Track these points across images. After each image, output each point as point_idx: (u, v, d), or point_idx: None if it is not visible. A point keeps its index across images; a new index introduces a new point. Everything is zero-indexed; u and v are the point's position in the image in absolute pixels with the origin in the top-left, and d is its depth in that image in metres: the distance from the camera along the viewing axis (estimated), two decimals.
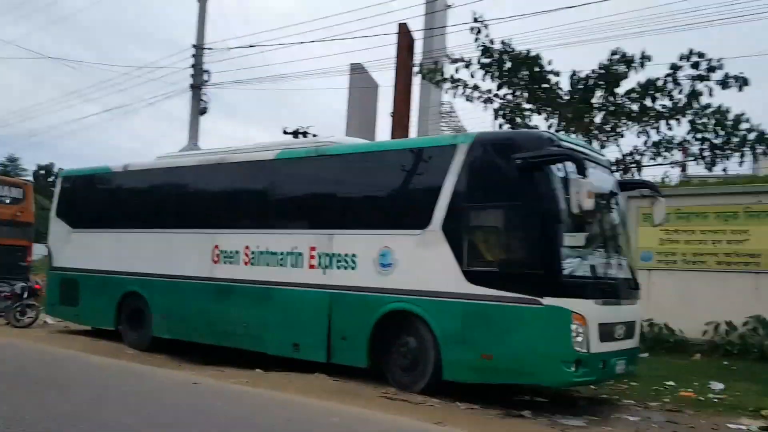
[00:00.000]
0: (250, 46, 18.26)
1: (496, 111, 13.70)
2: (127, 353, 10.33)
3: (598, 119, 12.73)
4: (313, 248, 8.64)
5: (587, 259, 6.96)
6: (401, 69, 18.56)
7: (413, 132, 19.19)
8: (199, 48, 18.48)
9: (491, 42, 12.89)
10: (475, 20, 12.78)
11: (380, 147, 8.30)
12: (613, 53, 11.40)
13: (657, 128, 12.25)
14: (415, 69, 16.48)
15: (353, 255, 8.23)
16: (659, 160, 12.80)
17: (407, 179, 8.08)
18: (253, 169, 9.57)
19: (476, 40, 12.90)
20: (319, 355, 8.45)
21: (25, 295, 13.03)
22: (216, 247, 9.69)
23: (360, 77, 19.48)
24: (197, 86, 18.42)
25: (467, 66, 13.32)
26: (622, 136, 13.05)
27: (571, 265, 6.72)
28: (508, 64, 13.07)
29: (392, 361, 7.90)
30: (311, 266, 8.64)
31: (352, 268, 8.24)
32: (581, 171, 6.58)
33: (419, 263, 7.65)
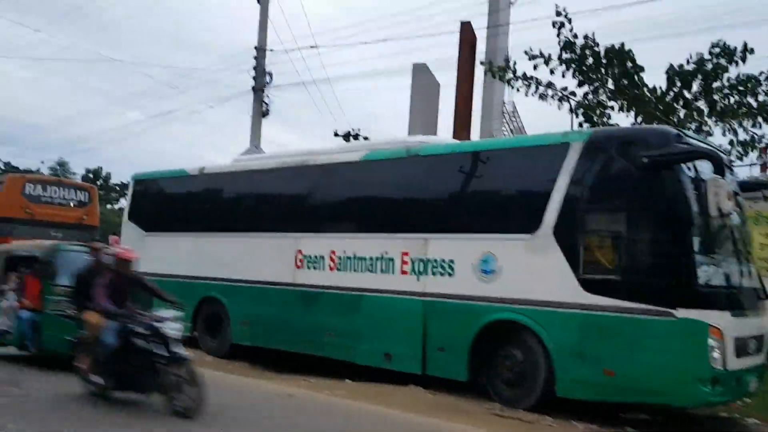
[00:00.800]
0: (312, 47, 17.99)
1: (573, 109, 13.12)
2: (206, 361, 10.05)
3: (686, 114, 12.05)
4: (405, 253, 8.22)
5: (720, 266, 6.37)
6: (463, 68, 18.11)
7: (475, 132, 18.70)
8: (260, 50, 18.30)
9: (575, 36, 12.31)
10: (558, 14, 12.21)
11: (481, 146, 7.85)
12: (714, 45, 10.70)
13: (753, 124, 11.49)
14: (483, 67, 15.98)
15: (451, 261, 7.78)
16: (746, 160, 12.04)
17: (512, 180, 7.60)
18: (338, 171, 9.21)
19: (558, 34, 12.33)
20: (412, 366, 8.02)
21: None
22: (299, 251, 9.35)
23: (422, 77, 19.06)
24: (259, 89, 18.24)
25: (547, 62, 12.77)
26: (710, 134, 12.33)
27: (706, 274, 6.15)
28: (590, 60, 12.49)
29: (495, 374, 7.42)
30: (403, 272, 8.22)
31: (450, 275, 7.79)
32: (719, 170, 6.00)
33: (527, 270, 7.15)
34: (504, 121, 23.22)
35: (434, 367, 7.86)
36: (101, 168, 57.05)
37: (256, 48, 18.27)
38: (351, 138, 30.07)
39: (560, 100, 13.45)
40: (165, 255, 11.41)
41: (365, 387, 8.02)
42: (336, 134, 29.88)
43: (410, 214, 8.38)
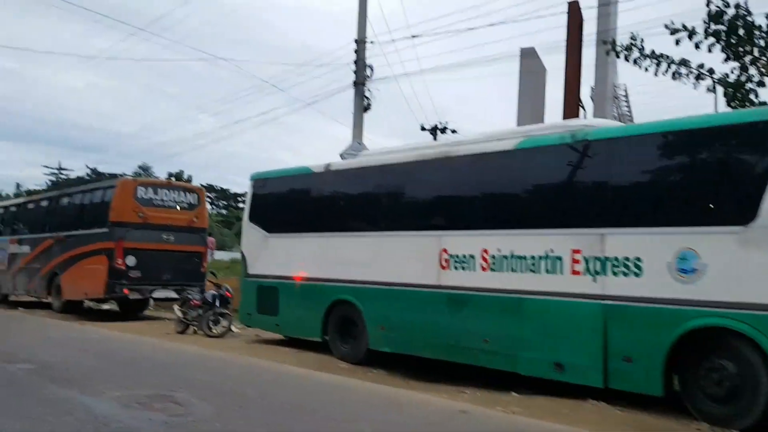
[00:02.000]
0: (413, 37, 17.22)
1: (712, 88, 11.80)
2: (342, 367, 9.49)
3: None
4: (576, 251, 7.31)
5: None
6: (572, 51, 16.94)
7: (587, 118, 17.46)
8: (360, 42, 17.70)
9: (726, 5, 11.02)
10: None
11: (672, 126, 6.84)
12: None
13: None
14: (598, 48, 14.83)
15: (637, 258, 6.81)
16: None
17: (715, 164, 6.56)
18: (488, 161, 8.38)
19: (708, 4, 11.07)
20: (591, 378, 7.11)
21: (217, 304, 12.62)
22: (444, 250, 8.58)
23: (530, 62, 18.00)
24: (360, 82, 17.64)
25: (691, 36, 11.52)
26: None
27: None
28: (741, 32, 11.16)
29: (697, 389, 6.42)
30: (575, 272, 7.31)
31: (636, 275, 6.82)
32: None
33: (740, 268, 6.11)
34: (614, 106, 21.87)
35: (619, 380, 6.92)
36: (182, 171, 58.54)
37: (356, 41, 17.68)
38: (439, 132, 29.24)
39: (697, 78, 12.18)
40: (290, 257, 10.93)
41: (538, 402, 7.17)
42: (423, 128, 29.15)
43: (580, 206, 7.45)
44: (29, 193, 58.62)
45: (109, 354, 9.66)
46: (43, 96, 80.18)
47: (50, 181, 58.95)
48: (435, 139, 26.57)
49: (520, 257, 7.81)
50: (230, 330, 12.65)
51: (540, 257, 7.61)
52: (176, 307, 13.25)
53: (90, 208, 15.97)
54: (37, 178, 62.48)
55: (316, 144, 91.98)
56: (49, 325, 13.77)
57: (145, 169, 59.02)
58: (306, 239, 10.68)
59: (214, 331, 12.43)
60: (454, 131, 28.38)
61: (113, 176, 50.30)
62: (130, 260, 14.80)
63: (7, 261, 19.31)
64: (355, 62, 17.70)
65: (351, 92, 17.81)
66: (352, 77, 17.72)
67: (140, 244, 14.95)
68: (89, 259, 15.28)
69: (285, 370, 9.00)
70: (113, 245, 14.72)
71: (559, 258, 7.44)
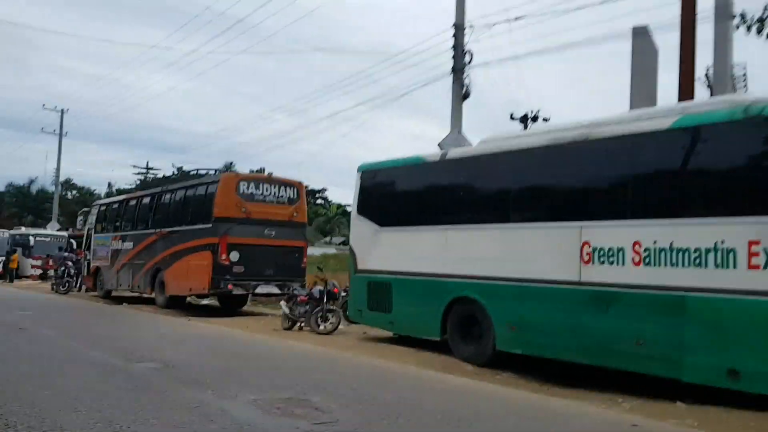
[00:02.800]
0: (516, 19, 16.32)
1: None
2: (467, 370, 8.85)
3: None
4: (755, 242, 6.38)
5: None
6: (687, 27, 15.61)
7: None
8: (459, 27, 16.95)
9: None
10: None
11: None
12: None
13: None
14: (735, 22, 13.48)
15: None
16: None
17: None
18: (637, 142, 7.51)
19: None
20: None
21: (325, 300, 12.25)
22: (586, 243, 7.79)
23: (642, 42, 16.74)
24: (459, 69, 16.91)
25: None
26: None
27: None
28: None
29: None
30: (753, 266, 6.38)
31: None
32: None
33: None
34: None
35: None
36: (263, 169, 59.44)
37: (454, 26, 16.96)
38: (530, 121, 28.05)
39: None
40: (404, 251, 10.39)
41: (713, 414, 6.31)
42: (512, 117, 28.02)
43: (759, 192, 6.52)
44: (120, 191, 61.19)
45: (228, 352, 9.40)
46: (129, 100, 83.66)
47: (139, 180, 61.22)
48: (525, 128, 25.52)
49: (681, 250, 6.92)
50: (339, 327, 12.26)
51: (707, 249, 6.71)
52: (283, 303, 12.99)
53: (193, 203, 16.00)
54: (126, 178, 65.24)
55: (389, 140, 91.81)
56: (159, 321, 13.81)
57: (227, 167, 60.37)
58: (422, 232, 10.10)
59: (323, 327, 12.06)
60: (546, 119, 27.28)
61: (198, 174, 51.51)
62: (234, 256, 14.70)
63: (110, 257, 19.78)
64: (453, 48, 16.97)
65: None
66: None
67: (243, 239, 14.82)
68: (193, 255, 15.30)
69: (412, 372, 8.46)
70: (217, 241, 14.65)
71: (732, 250, 6.53)
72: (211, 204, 15.02)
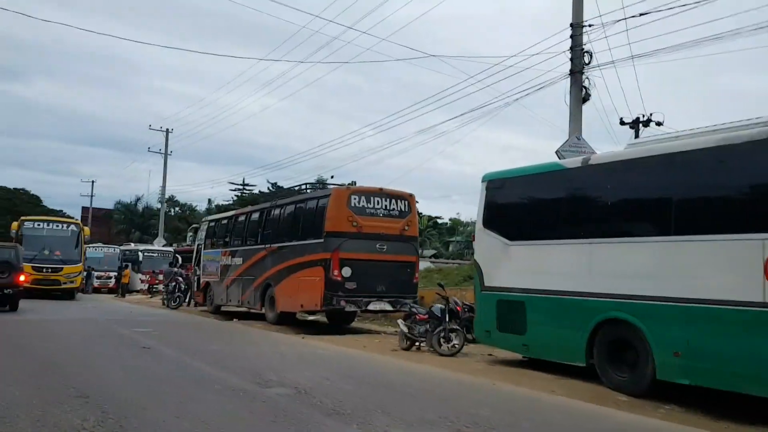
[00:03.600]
0: (641, 14, 15.10)
1: None
2: (620, 400, 7.89)
3: None
4: None
5: None
6: None
7: None
8: (576, 26, 15.93)
9: None
10: None
11: None
12: None
13: None
14: None
15: None
16: None
17: None
18: None
19: None
20: None
21: (447, 318, 11.54)
22: None
23: None
24: (577, 71, 15.86)
25: None
26: None
27: None
28: None
29: None
30: None
31: None
32: None
33: None
34: None
35: None
36: (354, 182, 59.66)
37: (571, 25, 15.95)
38: (641, 126, 26.29)
39: None
40: (539, 267, 9.54)
41: None
42: (622, 122, 26.37)
43: None
44: (219, 207, 63.15)
45: (356, 375, 8.85)
46: (226, 120, 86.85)
47: (236, 196, 63.04)
48: (637, 135, 23.96)
49: None
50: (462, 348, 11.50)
51: None
52: (401, 322, 12.38)
53: (303, 218, 15.77)
54: (224, 195, 67.36)
55: (477, 152, 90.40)
56: (274, 339, 13.56)
57: (321, 183, 60.90)
58: (560, 246, 9.22)
59: (445, 348, 11.34)
60: (659, 124, 25.53)
61: (301, 189, 52.39)
62: (346, 271, 14.28)
63: (219, 273, 19.94)
64: (571, 48, 15.95)
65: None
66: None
67: (355, 254, 14.39)
68: (304, 271, 15.01)
69: (563, 403, 7.59)
70: (329, 256, 14.29)
71: None
72: (322, 218, 14.70)
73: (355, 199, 14.67)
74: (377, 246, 14.66)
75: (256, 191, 62.78)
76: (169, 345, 11.47)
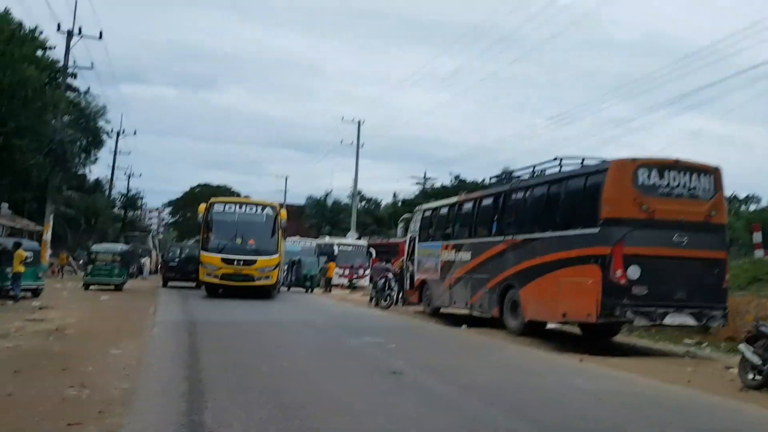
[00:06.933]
0: None
1: None
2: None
3: None
4: None
5: None
6: None
7: None
8: None
9: None
10: None
11: None
12: None
13: None
14: None
15: None
16: None
17: None
18: None
19: None
20: None
21: None
22: None
23: None
24: None
25: None
26: None
27: None
28: None
29: None
30: None
31: None
32: None
33: None
34: None
35: None
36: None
37: None
38: None
39: None
40: None
41: None
42: None
43: None
44: (405, 201, 61.68)
45: None
46: (400, 117, 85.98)
47: (418, 190, 61.11)
48: None
49: None
50: None
51: None
52: (743, 346, 8.48)
53: (564, 202, 12.29)
54: (406, 190, 65.95)
55: (662, 139, 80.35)
56: (541, 361, 10.27)
57: (508, 173, 56.79)
58: None
59: None
60: None
61: (474, 183, 49.08)
62: (633, 272, 10.58)
63: (439, 270, 17.12)
64: None
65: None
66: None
67: (645, 249, 10.66)
68: (568, 270, 11.55)
69: None
70: (608, 251, 10.67)
71: None
72: (595, 201, 11.12)
73: (643, 173, 10.87)
74: (675, 237, 10.77)
75: (438, 185, 60.68)
76: (420, 368, 8.64)
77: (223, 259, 20.59)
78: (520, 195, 13.79)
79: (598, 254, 10.85)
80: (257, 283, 20.92)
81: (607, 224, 10.85)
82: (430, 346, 11.80)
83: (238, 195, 64.84)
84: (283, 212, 22.29)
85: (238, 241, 21.04)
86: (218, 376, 7.31)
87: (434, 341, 12.63)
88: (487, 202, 15.25)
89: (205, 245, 21.42)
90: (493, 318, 14.97)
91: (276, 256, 21.35)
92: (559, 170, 12.88)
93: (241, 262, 20.65)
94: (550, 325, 14.21)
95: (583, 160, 12.70)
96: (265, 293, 21.51)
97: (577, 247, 11.38)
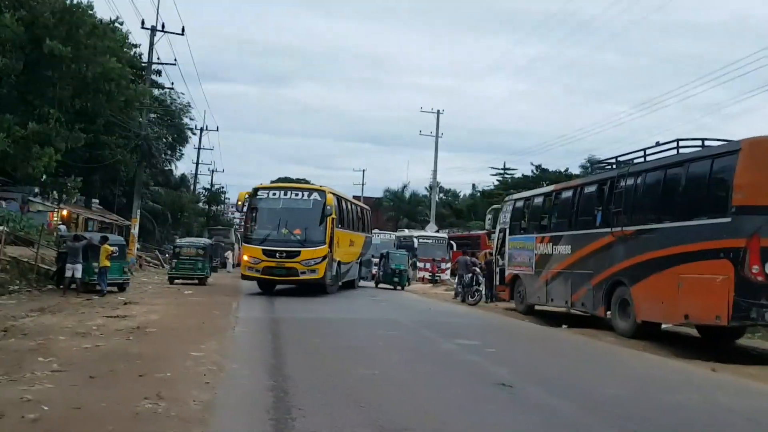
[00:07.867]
0: None
1: None
2: None
3: None
4: None
5: None
6: None
7: None
8: None
9: None
10: None
11: None
12: None
13: None
14: None
15: None
16: None
17: None
18: None
19: None
20: None
21: None
22: None
23: None
24: None
25: None
26: None
27: None
28: None
29: None
30: None
31: None
32: None
33: None
34: None
35: None
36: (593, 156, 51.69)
37: None
38: None
39: None
40: None
41: None
42: None
43: None
44: (483, 192, 60.08)
45: None
46: (474, 108, 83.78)
47: (497, 181, 59.38)
48: None
49: None
50: None
51: None
52: None
53: (683, 189, 10.85)
54: (485, 181, 64.27)
55: (753, 123, 74.37)
56: (661, 370, 8.97)
57: (593, 163, 54.12)
58: None
59: None
60: None
61: (561, 174, 46.97)
62: None
63: (533, 264, 15.90)
64: None
65: None
66: None
67: None
68: (690, 265, 10.16)
69: None
70: (743, 244, 9.26)
71: None
72: (725, 187, 9.69)
73: None
74: None
75: (518, 175, 58.70)
76: (529, 378, 7.58)
77: (264, 251, 18.44)
78: (630, 182, 12.35)
79: (730, 247, 9.43)
80: (302, 278, 18.47)
81: (741, 213, 9.39)
82: (534, 350, 10.66)
83: None
84: (330, 197, 19.25)
85: (284, 231, 18.67)
86: (305, 387, 6.50)
87: (536, 344, 11.45)
88: (590, 189, 13.87)
89: (246, 236, 19.56)
90: (594, 317, 13.68)
91: (323, 246, 18.53)
92: (676, 152, 11.43)
93: (284, 254, 18.30)
94: (662, 326, 12.78)
95: (703, 141, 11.24)
96: (317, 289, 19.18)
97: (702, 239, 9.97)
